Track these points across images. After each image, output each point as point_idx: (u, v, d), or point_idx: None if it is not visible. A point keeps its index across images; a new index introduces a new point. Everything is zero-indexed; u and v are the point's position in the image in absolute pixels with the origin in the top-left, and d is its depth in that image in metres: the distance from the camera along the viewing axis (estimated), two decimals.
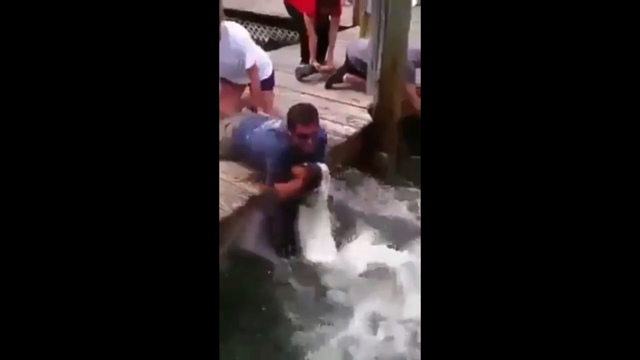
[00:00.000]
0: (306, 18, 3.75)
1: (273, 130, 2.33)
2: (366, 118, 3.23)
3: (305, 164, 2.29)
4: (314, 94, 3.58)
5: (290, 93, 3.56)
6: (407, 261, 2.29)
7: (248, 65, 2.79)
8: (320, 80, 3.81)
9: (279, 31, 5.93)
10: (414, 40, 3.18)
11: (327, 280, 2.28)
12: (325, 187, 2.32)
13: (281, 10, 4.52)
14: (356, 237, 2.49)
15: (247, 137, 2.41)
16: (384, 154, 3.17)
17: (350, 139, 3.02)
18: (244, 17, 5.68)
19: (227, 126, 2.52)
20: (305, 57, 3.94)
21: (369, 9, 3.97)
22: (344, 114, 3.28)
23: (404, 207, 2.85)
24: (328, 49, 3.94)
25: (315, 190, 2.30)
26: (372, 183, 3.05)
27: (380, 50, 3.07)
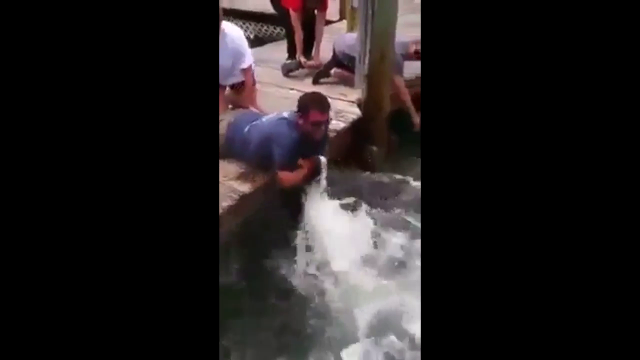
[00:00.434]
0: (292, 13, 3.70)
1: (284, 119, 2.32)
2: (355, 112, 3.21)
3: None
4: (302, 90, 3.54)
5: (277, 89, 3.52)
6: None
7: (245, 65, 2.81)
8: (307, 75, 3.77)
9: (265, 27, 5.88)
10: (401, 33, 3.17)
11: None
12: (324, 177, 2.37)
13: (266, 7, 4.47)
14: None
15: (246, 129, 2.39)
16: (374, 148, 3.15)
17: (340, 134, 3.00)
18: (229, 14, 5.61)
19: (221, 122, 2.49)
20: (291, 53, 3.90)
21: (355, 3, 3.93)
22: (333, 109, 3.24)
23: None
24: (315, 44, 3.90)
25: (317, 179, 2.34)
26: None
27: (368, 44, 3.05)
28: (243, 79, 2.91)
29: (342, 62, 3.54)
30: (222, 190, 2.28)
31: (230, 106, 3.03)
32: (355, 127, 3.13)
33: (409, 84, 3.31)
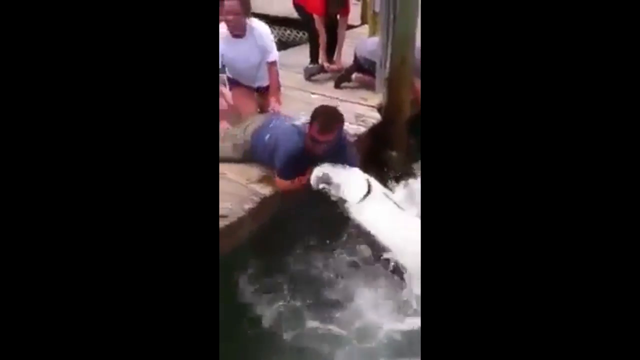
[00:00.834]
0: (315, 18, 3.76)
1: (296, 126, 2.35)
2: (375, 117, 3.24)
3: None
4: (324, 94, 3.60)
5: (299, 93, 3.59)
6: None
7: (272, 58, 2.84)
8: (329, 79, 3.82)
9: (288, 31, 5.96)
10: None
11: None
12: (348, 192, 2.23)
13: (290, 11, 4.54)
14: None
15: (267, 136, 2.42)
16: (394, 153, 3.17)
17: (360, 138, 3.03)
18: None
19: (247, 127, 2.55)
20: (314, 57, 3.95)
21: (377, 8, 3.96)
22: (353, 113, 3.29)
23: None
24: (337, 48, 3.95)
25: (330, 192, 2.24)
26: None
27: (389, 49, 3.07)
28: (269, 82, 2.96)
29: (363, 66, 3.58)
30: (244, 193, 2.35)
31: (258, 109, 3.10)
32: (376, 132, 3.16)
33: None
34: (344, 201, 2.21)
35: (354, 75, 3.73)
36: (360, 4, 5.30)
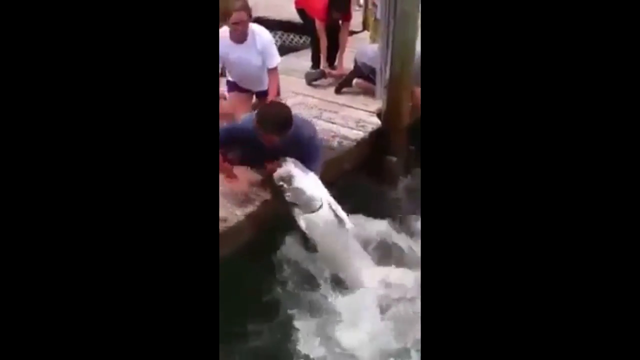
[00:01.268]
0: (317, 23, 3.79)
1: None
2: (375, 122, 3.26)
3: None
4: (324, 99, 3.62)
5: (300, 98, 3.61)
6: None
7: (273, 64, 2.85)
8: (330, 85, 3.85)
9: (290, 36, 5.99)
10: None
11: None
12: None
13: (292, 16, 4.57)
14: None
15: (234, 125, 2.46)
16: (393, 158, 3.19)
17: (360, 144, 3.05)
18: (256, 22, 5.73)
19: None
20: (316, 62, 3.99)
21: (379, 14, 3.99)
22: (354, 119, 3.31)
23: None
24: (338, 53, 3.98)
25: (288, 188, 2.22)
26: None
27: (389, 55, 3.10)
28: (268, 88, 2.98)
29: (364, 72, 3.60)
30: (243, 196, 2.36)
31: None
32: (375, 138, 3.18)
33: None
34: (295, 206, 2.23)
35: (354, 81, 3.75)
36: (362, 10, 5.34)
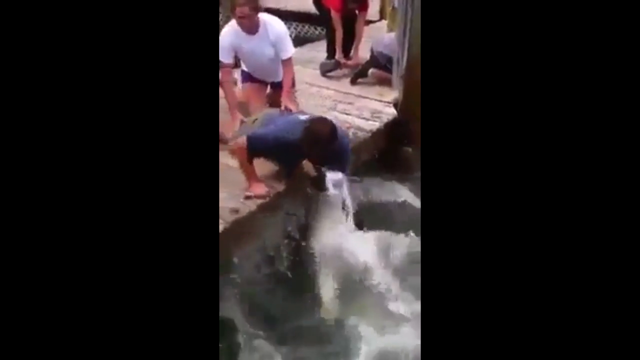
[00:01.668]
0: (333, 13, 3.74)
1: (300, 120, 2.33)
2: (391, 113, 3.20)
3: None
4: (339, 90, 3.58)
5: (316, 89, 3.57)
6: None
7: (287, 55, 2.81)
8: (345, 75, 3.80)
9: (306, 27, 5.94)
10: None
11: None
12: (340, 192, 2.30)
13: (308, 7, 4.53)
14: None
15: (272, 126, 2.39)
16: (409, 149, 3.13)
17: (375, 134, 3.00)
18: (271, 13, 5.71)
19: (256, 120, 2.55)
20: (331, 53, 3.94)
21: (396, 3, 3.92)
22: (369, 109, 3.26)
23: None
24: (354, 43, 3.92)
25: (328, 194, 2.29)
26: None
27: (406, 45, 3.03)
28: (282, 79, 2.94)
29: (380, 62, 3.54)
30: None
31: (267, 104, 3.10)
32: (391, 128, 3.13)
33: None
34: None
35: (370, 71, 3.70)
36: None
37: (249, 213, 2.20)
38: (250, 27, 2.70)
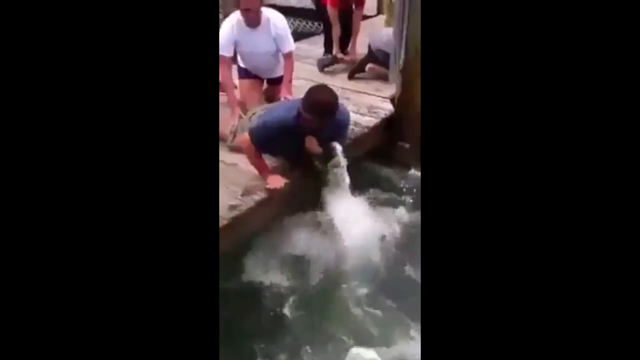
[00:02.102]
0: (330, 8, 3.74)
1: (294, 102, 2.34)
2: (388, 108, 3.21)
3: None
4: (336, 85, 3.58)
5: (313, 84, 3.57)
6: None
7: (288, 49, 2.81)
8: (343, 71, 3.80)
9: (303, 22, 5.94)
10: None
11: None
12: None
13: (305, 2, 4.52)
14: None
15: (271, 113, 2.41)
16: (406, 145, 3.15)
17: (372, 130, 3.02)
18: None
19: (253, 116, 2.56)
20: (328, 48, 3.94)
21: None
22: (366, 105, 3.27)
23: None
24: (351, 39, 3.92)
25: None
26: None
27: (404, 39, 3.04)
28: (282, 74, 2.94)
29: (378, 57, 3.55)
30: (255, 183, 2.36)
31: (263, 101, 3.10)
32: (388, 124, 3.14)
33: None
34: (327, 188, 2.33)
35: (367, 67, 3.70)
36: None
37: (248, 209, 2.21)
38: (255, 20, 2.69)
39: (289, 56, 2.84)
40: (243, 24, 2.71)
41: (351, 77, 3.69)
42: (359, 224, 2.36)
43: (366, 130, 2.97)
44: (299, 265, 2.37)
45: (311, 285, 2.31)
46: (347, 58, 3.87)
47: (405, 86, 3.14)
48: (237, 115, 2.71)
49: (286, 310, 2.20)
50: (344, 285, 2.31)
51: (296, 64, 3.16)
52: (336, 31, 3.79)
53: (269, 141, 2.30)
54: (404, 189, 2.94)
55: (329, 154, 2.33)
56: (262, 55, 2.87)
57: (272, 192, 2.29)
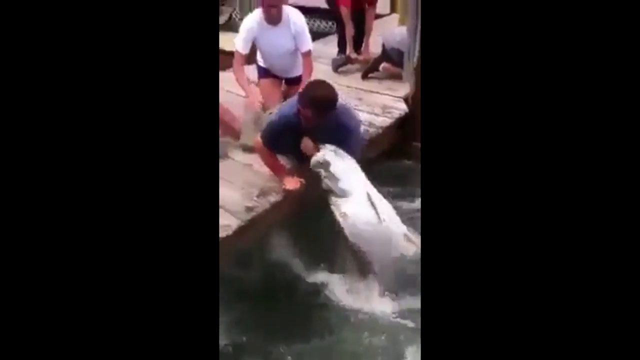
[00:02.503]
0: (343, 8, 3.74)
1: (293, 99, 2.31)
2: (402, 108, 3.20)
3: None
4: (350, 85, 3.59)
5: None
6: None
7: (307, 48, 2.80)
8: (357, 70, 3.80)
9: (317, 22, 5.95)
10: None
11: None
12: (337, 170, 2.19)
13: (319, 2, 4.52)
14: None
15: (274, 117, 2.38)
16: (420, 145, 3.13)
17: (386, 130, 3.01)
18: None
19: (271, 114, 2.56)
20: (342, 48, 3.94)
21: None
22: (380, 105, 3.27)
23: None
24: (364, 38, 3.91)
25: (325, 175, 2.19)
26: None
27: (418, 37, 3.02)
28: (300, 73, 2.93)
29: (392, 57, 3.54)
30: (271, 184, 2.38)
31: (282, 100, 3.12)
32: (402, 124, 3.13)
33: None
34: (331, 193, 2.19)
35: (381, 66, 3.69)
36: None
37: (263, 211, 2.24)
38: (277, 16, 2.69)
39: (307, 55, 2.83)
40: (264, 21, 2.72)
41: (365, 76, 3.69)
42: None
43: (380, 130, 2.97)
44: None
45: None
46: (360, 57, 3.86)
47: (419, 85, 3.13)
48: (256, 101, 2.70)
49: None
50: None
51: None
52: (349, 31, 3.79)
53: (277, 140, 2.29)
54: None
55: (322, 159, 2.19)
56: (281, 54, 2.86)
57: (288, 193, 2.30)
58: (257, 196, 2.30)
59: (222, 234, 1.99)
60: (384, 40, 3.58)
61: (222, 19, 6.54)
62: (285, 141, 2.32)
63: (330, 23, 5.52)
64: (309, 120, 2.16)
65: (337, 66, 3.84)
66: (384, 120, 3.07)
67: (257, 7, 2.78)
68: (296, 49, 2.83)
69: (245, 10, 5.01)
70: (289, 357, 1.99)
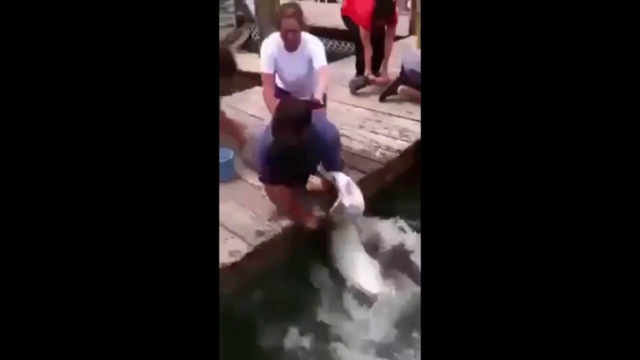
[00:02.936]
0: (362, 30, 3.72)
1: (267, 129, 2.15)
2: (420, 131, 3.13)
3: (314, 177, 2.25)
4: (368, 107, 3.54)
5: (345, 106, 3.54)
6: None
7: (320, 64, 2.70)
8: (375, 92, 3.75)
9: (336, 43, 5.97)
10: None
11: None
12: (349, 200, 2.13)
13: (338, 22, 4.53)
14: None
15: (257, 153, 2.28)
16: None
17: (403, 154, 2.94)
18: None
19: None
20: (360, 69, 3.91)
21: None
22: (398, 128, 3.20)
23: None
24: (383, 60, 3.88)
25: (336, 204, 2.12)
26: None
27: None
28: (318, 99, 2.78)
29: (410, 79, 3.49)
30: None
31: None
32: (420, 148, 3.05)
33: None
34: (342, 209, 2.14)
35: (399, 88, 3.64)
36: (409, 14, 5.22)
37: (274, 236, 2.17)
38: (294, 43, 2.68)
39: (321, 69, 2.72)
40: (282, 46, 2.71)
41: (383, 99, 3.64)
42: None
43: (398, 154, 2.89)
44: None
45: None
46: (379, 79, 3.82)
47: None
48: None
49: None
50: None
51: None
52: (368, 52, 3.76)
53: (273, 171, 2.17)
54: None
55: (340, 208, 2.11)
56: (296, 77, 2.85)
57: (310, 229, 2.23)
58: (269, 220, 2.24)
59: (231, 259, 1.96)
60: (403, 62, 3.54)
61: (242, 39, 6.67)
62: (281, 171, 2.18)
63: (348, 44, 5.53)
64: (290, 142, 2.01)
65: (356, 88, 3.81)
66: (402, 144, 2.99)
67: (275, 31, 2.77)
68: (310, 72, 2.79)
69: (264, 30, 5.04)
70: None
